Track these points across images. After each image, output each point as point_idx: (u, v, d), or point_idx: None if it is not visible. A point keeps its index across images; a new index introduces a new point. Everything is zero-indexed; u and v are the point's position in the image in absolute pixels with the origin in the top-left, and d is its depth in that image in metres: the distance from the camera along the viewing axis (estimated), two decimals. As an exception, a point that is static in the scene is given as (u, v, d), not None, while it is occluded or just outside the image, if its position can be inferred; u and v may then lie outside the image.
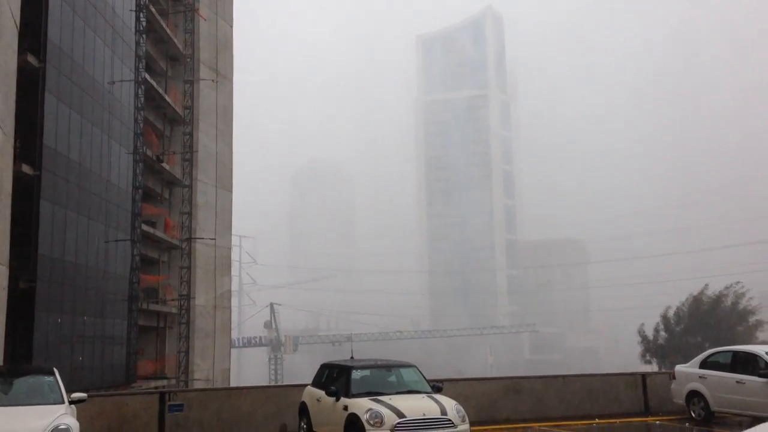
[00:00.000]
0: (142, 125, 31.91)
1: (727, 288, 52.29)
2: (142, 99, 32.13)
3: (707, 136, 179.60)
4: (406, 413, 10.27)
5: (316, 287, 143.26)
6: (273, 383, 79.91)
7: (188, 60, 39.42)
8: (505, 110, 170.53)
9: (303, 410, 12.46)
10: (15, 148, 19.92)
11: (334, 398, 11.17)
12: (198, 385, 36.15)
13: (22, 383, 10.19)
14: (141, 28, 32.30)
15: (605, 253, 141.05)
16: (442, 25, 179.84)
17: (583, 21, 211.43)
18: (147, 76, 33.62)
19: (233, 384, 47.58)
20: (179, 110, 38.50)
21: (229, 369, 43.63)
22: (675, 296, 56.17)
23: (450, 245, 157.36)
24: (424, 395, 11.12)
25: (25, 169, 21.54)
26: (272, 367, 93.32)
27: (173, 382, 35.32)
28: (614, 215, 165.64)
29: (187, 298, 36.95)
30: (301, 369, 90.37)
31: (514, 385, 15.92)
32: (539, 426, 14.32)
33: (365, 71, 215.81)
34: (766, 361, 13.34)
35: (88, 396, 10.83)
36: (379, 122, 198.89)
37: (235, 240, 62.40)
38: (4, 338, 18.01)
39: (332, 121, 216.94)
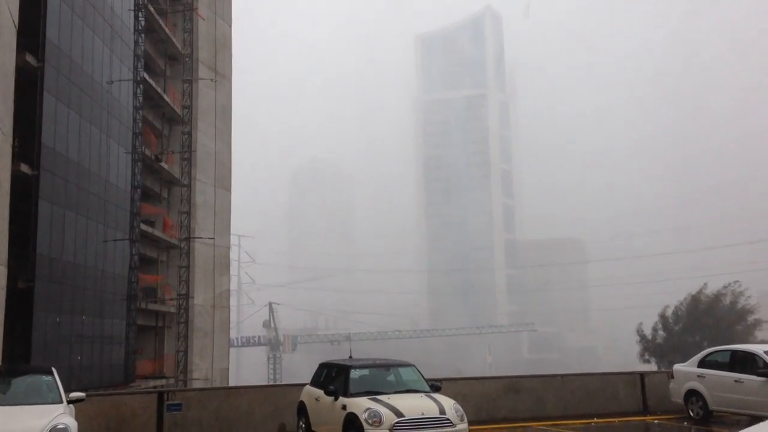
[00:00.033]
0: (140, 125, 31.91)
1: (725, 287, 52.35)
2: (141, 98, 32.13)
3: (707, 136, 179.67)
4: (404, 412, 10.27)
5: (315, 287, 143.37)
6: (271, 382, 79.94)
7: (187, 59, 39.41)
8: (504, 110, 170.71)
9: (301, 409, 12.46)
10: (13, 147, 19.92)
11: (333, 397, 11.16)
12: (197, 384, 36.14)
13: (20, 383, 10.18)
14: (140, 28, 32.29)
15: (604, 252, 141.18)
16: (441, 24, 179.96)
17: (582, 21, 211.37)
18: (146, 76, 33.62)
19: (232, 383, 47.55)
20: (178, 110, 38.49)
21: (228, 368, 43.66)
22: (674, 295, 56.19)
23: (449, 245, 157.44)
24: (422, 394, 11.12)
25: (24, 168, 21.53)
26: (271, 366, 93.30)
27: (172, 381, 35.30)
28: (613, 214, 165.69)
29: (186, 297, 36.94)
30: (300, 368, 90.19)
31: (512, 385, 15.93)
32: (538, 425, 14.32)
33: (364, 71, 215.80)
34: (764, 360, 13.34)
35: (87, 395, 10.80)
36: (378, 122, 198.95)
37: (234, 239, 62.44)
38: (3, 338, 18.01)
39: (331, 120, 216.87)
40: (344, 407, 10.79)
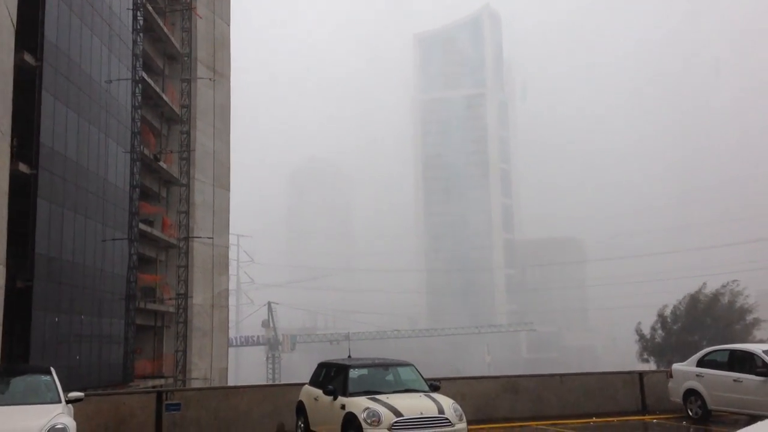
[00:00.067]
0: (139, 124, 31.88)
1: (724, 286, 52.41)
2: (140, 98, 32.08)
3: (706, 135, 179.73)
4: (403, 412, 10.26)
5: (314, 286, 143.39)
6: (270, 382, 79.93)
7: (185, 59, 39.38)
8: (503, 109, 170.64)
9: (300, 409, 12.46)
10: (12, 146, 19.89)
11: (332, 397, 11.16)
12: (195, 384, 36.10)
13: (19, 382, 10.17)
14: (138, 27, 32.25)
15: (603, 251, 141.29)
16: (440, 24, 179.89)
17: (582, 20, 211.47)
18: (144, 75, 33.58)
19: (231, 383, 47.54)
20: (176, 109, 38.47)
21: (227, 368, 43.63)
22: (673, 295, 56.22)
23: (448, 244, 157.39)
24: (421, 394, 11.11)
25: (22, 167, 21.51)
26: (270, 366, 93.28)
27: (170, 381, 35.27)
28: (612, 214, 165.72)
29: (185, 297, 36.90)
30: (299, 368, 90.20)
31: (511, 384, 15.92)
32: (537, 425, 14.32)
33: (364, 70, 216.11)
34: (763, 360, 13.34)
35: (86, 395, 10.78)
36: (377, 121, 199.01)
37: (232, 239, 62.37)
38: (1, 337, 18.00)
39: (331, 120, 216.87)
40: (343, 407, 10.79)
